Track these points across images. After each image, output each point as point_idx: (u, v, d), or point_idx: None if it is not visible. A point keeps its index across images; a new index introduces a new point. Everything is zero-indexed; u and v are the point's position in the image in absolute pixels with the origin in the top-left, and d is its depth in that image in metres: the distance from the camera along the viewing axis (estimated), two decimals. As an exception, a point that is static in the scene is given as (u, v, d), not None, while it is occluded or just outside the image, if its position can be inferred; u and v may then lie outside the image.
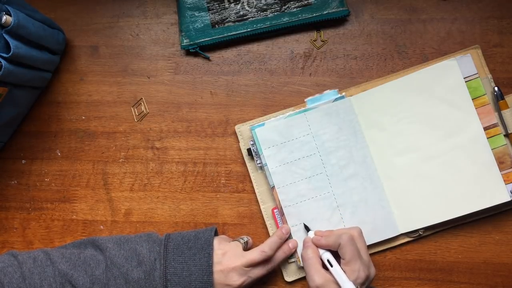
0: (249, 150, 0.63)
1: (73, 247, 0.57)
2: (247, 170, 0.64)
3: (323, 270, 0.54)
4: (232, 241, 0.58)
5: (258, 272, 0.55)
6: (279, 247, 0.58)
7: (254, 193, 0.64)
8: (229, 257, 0.55)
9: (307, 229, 0.59)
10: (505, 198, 0.58)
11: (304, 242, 0.58)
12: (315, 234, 0.58)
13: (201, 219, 0.65)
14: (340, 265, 0.54)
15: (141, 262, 0.53)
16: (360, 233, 0.56)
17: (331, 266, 0.54)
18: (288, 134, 0.61)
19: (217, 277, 0.54)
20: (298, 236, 0.60)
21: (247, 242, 0.59)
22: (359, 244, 0.54)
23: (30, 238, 0.66)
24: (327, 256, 0.55)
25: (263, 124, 0.62)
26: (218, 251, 0.55)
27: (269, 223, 0.63)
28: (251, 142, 0.63)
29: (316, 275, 0.53)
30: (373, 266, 0.55)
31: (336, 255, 0.55)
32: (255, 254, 0.55)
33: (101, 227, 0.65)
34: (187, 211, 0.65)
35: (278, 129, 0.61)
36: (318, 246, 0.56)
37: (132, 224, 0.65)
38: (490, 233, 0.61)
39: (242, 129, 0.64)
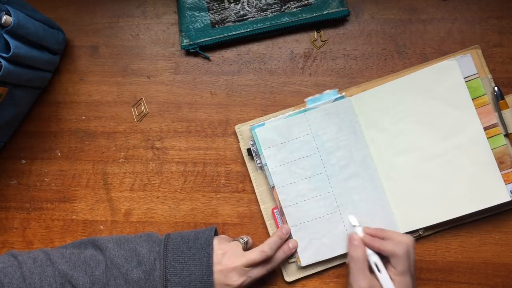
0: (249, 150, 0.63)
1: (73, 247, 0.57)
2: (247, 170, 0.64)
3: (369, 274, 0.53)
4: (232, 241, 0.58)
5: (258, 272, 0.55)
6: (279, 247, 0.58)
7: (254, 193, 0.64)
8: (229, 257, 0.55)
9: (353, 223, 0.57)
10: (505, 198, 0.58)
11: (352, 239, 0.55)
12: (365, 232, 0.56)
13: (201, 219, 0.65)
14: (388, 271, 0.53)
15: (141, 262, 0.53)
16: (414, 245, 0.54)
17: (379, 271, 0.53)
18: (288, 134, 0.61)
19: (217, 277, 0.54)
20: (298, 236, 0.60)
21: (247, 242, 0.59)
22: (411, 256, 0.53)
23: (30, 238, 0.66)
24: (375, 259, 0.54)
25: (263, 124, 0.62)
26: (218, 251, 0.55)
27: (269, 223, 0.63)
28: (251, 142, 0.63)
29: (362, 278, 0.52)
30: (415, 280, 0.54)
31: (381, 256, 0.54)
32: (255, 254, 0.55)
33: (101, 227, 0.65)
34: (187, 211, 0.65)
35: (278, 129, 0.61)
36: (369, 246, 0.55)
37: (132, 224, 0.65)
38: (490, 233, 0.61)
39: (242, 129, 0.64)
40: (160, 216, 0.65)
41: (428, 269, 0.61)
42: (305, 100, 0.63)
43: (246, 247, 0.58)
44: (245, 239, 0.59)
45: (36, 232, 0.66)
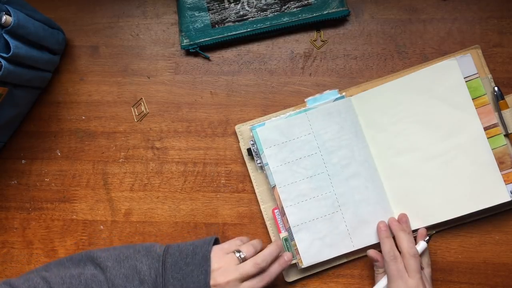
0: (249, 150, 0.63)
1: (72, 264, 0.55)
2: (247, 170, 0.64)
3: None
4: (229, 252, 0.56)
5: (254, 286, 0.54)
6: (274, 259, 0.56)
7: (254, 193, 0.64)
8: (222, 272, 0.53)
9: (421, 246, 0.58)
10: (505, 198, 0.58)
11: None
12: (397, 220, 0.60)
13: (201, 219, 0.64)
14: None
15: (143, 281, 0.52)
16: (411, 256, 0.55)
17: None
18: (289, 133, 0.61)
19: None
20: (300, 237, 0.60)
21: (244, 258, 0.55)
22: (396, 266, 0.55)
23: (30, 238, 0.66)
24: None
25: (263, 124, 0.62)
26: (214, 265, 0.54)
27: (269, 223, 0.63)
28: (251, 142, 0.63)
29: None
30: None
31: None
32: (248, 267, 0.54)
33: (101, 227, 0.65)
34: (187, 211, 0.65)
35: (279, 128, 0.61)
36: (378, 232, 0.60)
37: (132, 224, 0.65)
38: (490, 233, 0.61)
39: (242, 129, 0.64)
40: (160, 216, 0.65)
41: (428, 269, 0.61)
42: (305, 100, 0.63)
43: (242, 261, 0.56)
44: (243, 255, 0.55)
45: (36, 232, 0.66)
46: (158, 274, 0.53)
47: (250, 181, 0.64)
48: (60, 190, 0.67)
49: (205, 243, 0.56)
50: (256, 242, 0.58)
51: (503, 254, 0.61)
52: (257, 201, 0.63)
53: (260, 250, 0.57)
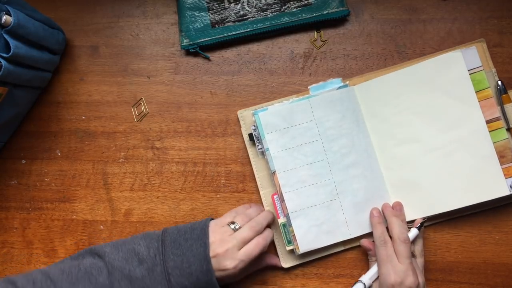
0: (250, 135, 0.63)
1: (71, 259, 0.56)
2: (247, 170, 0.64)
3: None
4: (224, 225, 0.57)
5: (250, 251, 0.55)
6: (269, 222, 0.59)
7: (254, 193, 0.64)
8: (220, 243, 0.54)
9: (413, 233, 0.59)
10: (505, 192, 0.57)
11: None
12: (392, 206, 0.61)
13: (201, 219, 0.64)
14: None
15: (142, 260, 0.53)
16: (402, 241, 0.55)
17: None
18: (291, 119, 0.61)
19: (212, 263, 0.53)
20: (298, 223, 0.60)
21: (239, 228, 0.57)
22: (386, 251, 0.56)
23: (30, 238, 0.66)
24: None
25: (266, 109, 0.61)
26: (211, 238, 0.55)
27: (268, 209, 0.62)
28: (253, 127, 0.63)
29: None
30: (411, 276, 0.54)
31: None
32: (244, 231, 0.55)
33: (101, 227, 0.65)
34: (187, 211, 0.65)
35: (282, 114, 0.61)
36: (371, 218, 0.61)
37: (132, 224, 0.65)
38: (490, 233, 0.61)
39: (244, 115, 0.64)
40: (160, 216, 0.65)
41: (428, 269, 0.61)
42: (308, 87, 0.63)
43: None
44: (237, 226, 0.57)
45: (36, 232, 0.66)
46: (157, 253, 0.53)
47: (250, 181, 0.64)
48: (60, 190, 0.67)
49: (202, 220, 0.57)
50: (251, 211, 0.60)
51: (503, 254, 0.61)
52: (258, 200, 0.63)
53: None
